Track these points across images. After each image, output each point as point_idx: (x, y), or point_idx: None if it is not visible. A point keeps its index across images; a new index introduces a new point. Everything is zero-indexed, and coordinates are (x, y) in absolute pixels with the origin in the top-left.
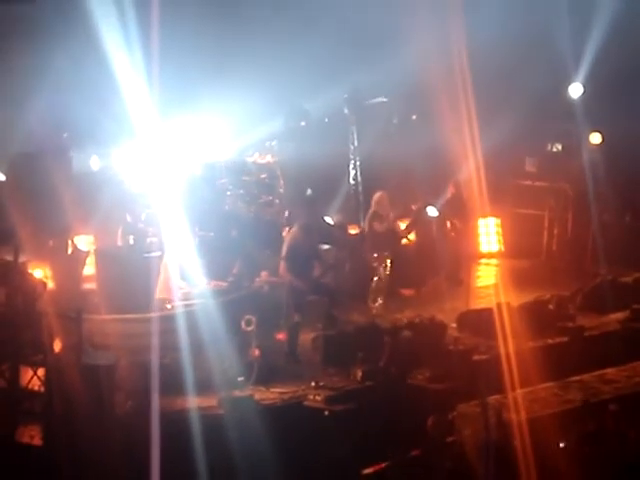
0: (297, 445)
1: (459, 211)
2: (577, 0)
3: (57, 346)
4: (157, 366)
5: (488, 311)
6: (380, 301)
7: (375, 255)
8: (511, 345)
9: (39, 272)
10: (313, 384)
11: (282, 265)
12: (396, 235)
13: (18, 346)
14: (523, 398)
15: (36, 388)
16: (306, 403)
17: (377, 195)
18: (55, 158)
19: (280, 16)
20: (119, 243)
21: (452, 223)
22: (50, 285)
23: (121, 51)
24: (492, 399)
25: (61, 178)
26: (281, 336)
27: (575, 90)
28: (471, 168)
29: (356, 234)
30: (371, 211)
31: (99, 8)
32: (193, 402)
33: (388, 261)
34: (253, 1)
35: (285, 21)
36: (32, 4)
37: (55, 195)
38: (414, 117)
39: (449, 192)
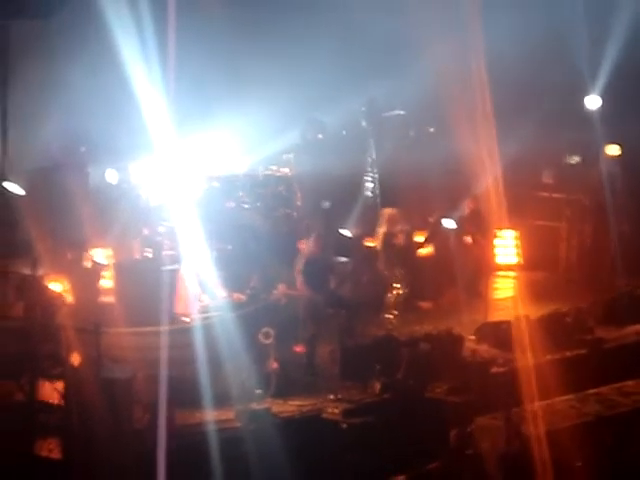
0: (315, 458)
1: (478, 227)
2: (595, 12)
3: (75, 359)
4: (175, 379)
5: (506, 323)
6: (396, 313)
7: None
8: (529, 358)
9: (57, 285)
10: (331, 397)
11: (299, 278)
12: (413, 249)
13: (37, 359)
14: (541, 411)
15: (55, 401)
16: (324, 416)
17: (388, 213)
18: (73, 172)
19: (297, 30)
20: (137, 256)
21: (472, 238)
22: (68, 298)
23: (138, 66)
24: (511, 412)
25: (79, 192)
26: (299, 349)
27: (592, 102)
28: (489, 180)
29: (374, 246)
30: (383, 230)
31: (116, 23)
32: (211, 415)
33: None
34: (270, 16)
35: (302, 34)
36: (47, 20)
37: (73, 209)
38: (431, 129)
39: (468, 208)
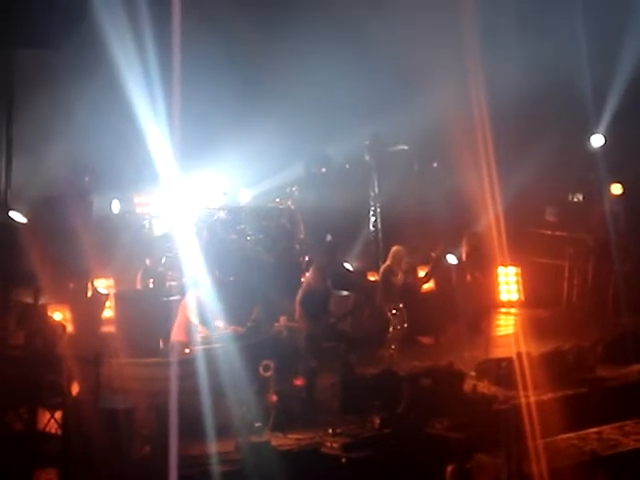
0: None
1: (477, 264)
2: (599, 51)
3: (75, 389)
4: (175, 410)
5: (507, 360)
6: (397, 348)
7: (392, 307)
8: (530, 395)
9: (59, 315)
10: (330, 431)
11: (298, 310)
12: (413, 286)
13: (36, 389)
14: (542, 449)
15: (53, 431)
16: (323, 450)
17: (394, 249)
18: (76, 201)
19: (303, 64)
20: (139, 287)
21: (472, 275)
22: (69, 328)
23: (142, 97)
24: (511, 449)
25: (82, 221)
26: (299, 382)
27: (596, 140)
28: (491, 216)
29: (375, 281)
30: (387, 265)
31: (121, 55)
32: (210, 447)
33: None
34: (275, 51)
35: (307, 69)
36: (53, 50)
37: (76, 238)
38: (434, 165)
39: (467, 245)
